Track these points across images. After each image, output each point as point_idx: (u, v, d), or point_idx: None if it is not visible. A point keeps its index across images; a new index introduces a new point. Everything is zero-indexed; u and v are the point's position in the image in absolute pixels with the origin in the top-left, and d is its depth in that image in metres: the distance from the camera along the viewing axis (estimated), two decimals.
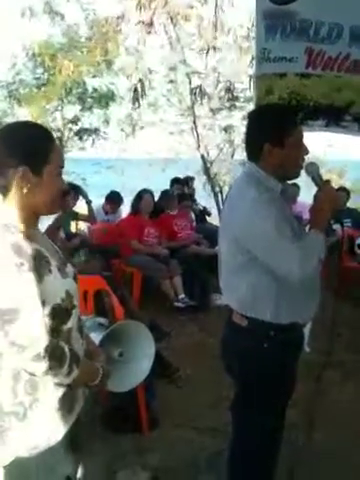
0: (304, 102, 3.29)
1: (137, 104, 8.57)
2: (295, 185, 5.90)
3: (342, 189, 6.60)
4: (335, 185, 7.02)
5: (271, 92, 3.44)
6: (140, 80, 8.35)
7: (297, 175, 2.02)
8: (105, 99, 9.40)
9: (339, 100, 3.26)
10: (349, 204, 6.66)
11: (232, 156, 9.69)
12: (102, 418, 2.99)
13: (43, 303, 1.33)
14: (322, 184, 1.96)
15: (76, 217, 5.94)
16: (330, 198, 1.94)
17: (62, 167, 1.48)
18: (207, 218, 7.56)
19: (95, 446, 2.63)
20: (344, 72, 3.19)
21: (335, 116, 3.33)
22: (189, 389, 3.53)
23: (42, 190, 1.39)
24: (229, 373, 2.12)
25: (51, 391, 1.38)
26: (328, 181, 2.00)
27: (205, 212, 7.50)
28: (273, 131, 1.93)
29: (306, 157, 2.01)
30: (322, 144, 9.07)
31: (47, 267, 1.36)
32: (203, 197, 8.94)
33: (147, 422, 2.99)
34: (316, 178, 1.97)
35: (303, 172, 2.02)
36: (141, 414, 2.97)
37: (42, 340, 1.31)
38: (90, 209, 6.00)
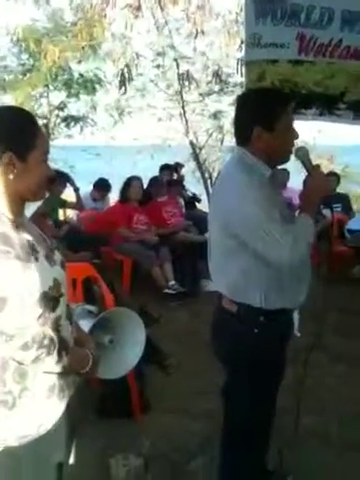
0: (297, 90, 3.23)
1: (124, 89, 8.47)
2: (285, 171, 5.90)
3: (332, 174, 6.61)
4: (325, 170, 7.04)
5: (263, 78, 3.37)
6: (127, 65, 8.25)
7: (287, 159, 2.00)
8: (92, 85, 9.29)
9: (332, 88, 3.20)
10: (338, 189, 6.69)
11: (221, 142, 9.65)
12: (94, 404, 2.99)
13: (30, 291, 1.31)
14: (312, 169, 1.95)
15: (64, 205, 5.90)
16: (320, 183, 1.93)
17: (47, 153, 1.45)
18: (197, 205, 7.54)
19: (87, 432, 2.63)
20: (337, 58, 3.14)
21: (329, 104, 3.27)
22: (180, 375, 3.54)
23: (28, 176, 1.37)
24: (219, 358, 2.12)
25: (40, 379, 1.37)
26: (318, 165, 1.98)
27: (195, 199, 7.48)
28: (262, 115, 1.89)
29: (296, 141, 1.99)
30: (312, 129, 9.05)
31: (34, 255, 1.34)
32: (192, 184, 8.91)
33: (139, 408, 3.00)
34: (306, 163, 1.95)
35: (293, 157, 2.01)
36: (133, 400, 2.98)
37: (30, 328, 1.30)
38: (78, 196, 5.97)
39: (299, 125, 2.04)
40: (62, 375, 1.41)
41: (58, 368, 1.37)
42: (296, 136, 1.96)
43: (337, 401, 3.21)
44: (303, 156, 1.95)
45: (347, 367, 3.68)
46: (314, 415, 2.96)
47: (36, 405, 1.37)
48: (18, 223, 1.37)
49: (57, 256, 1.46)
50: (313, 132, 9.39)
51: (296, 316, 2.15)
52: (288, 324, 2.10)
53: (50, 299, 1.36)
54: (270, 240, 1.81)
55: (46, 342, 1.32)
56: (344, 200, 6.60)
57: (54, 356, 1.33)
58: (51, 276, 1.38)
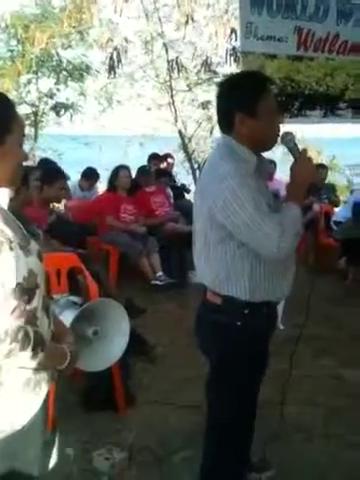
0: (300, 89, 3.22)
1: (113, 74, 8.35)
2: (271, 162, 5.85)
3: (321, 166, 6.59)
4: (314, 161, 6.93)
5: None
6: (115, 48, 8.11)
7: (272, 145, 1.94)
8: (80, 72, 9.18)
9: (333, 87, 3.20)
10: (326, 180, 6.68)
11: (211, 132, 9.59)
12: (77, 397, 2.96)
13: (2, 282, 1.26)
14: (298, 155, 1.90)
15: None
16: (306, 168, 1.88)
17: (24, 136, 1.40)
18: (186, 195, 7.49)
19: (70, 425, 2.60)
20: (335, 54, 3.14)
21: (331, 104, 3.27)
22: (166, 366, 3.53)
23: (4, 161, 1.31)
24: (202, 351, 2.10)
25: (14, 374, 1.32)
26: (305, 150, 1.93)
27: (183, 189, 7.43)
28: (242, 100, 1.84)
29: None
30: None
31: (7, 244, 1.28)
32: (182, 174, 8.86)
33: (123, 400, 2.97)
34: (292, 148, 1.90)
35: (279, 149, 1.97)
36: (117, 393, 2.95)
37: (2, 321, 1.25)
38: (66, 185, 5.88)
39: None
40: (38, 370, 1.36)
41: (33, 364, 1.32)
42: (281, 120, 1.90)
43: (322, 392, 3.21)
44: (289, 142, 1.90)
45: (332, 358, 3.68)
46: (299, 407, 2.96)
47: (10, 400, 1.33)
48: None
49: (33, 246, 1.39)
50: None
51: (280, 308, 2.12)
52: (272, 317, 2.07)
53: (25, 291, 1.30)
54: (257, 231, 1.76)
55: (20, 336, 1.26)
56: (331, 191, 6.62)
57: (28, 351, 1.28)
58: (26, 267, 1.31)
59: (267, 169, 2.06)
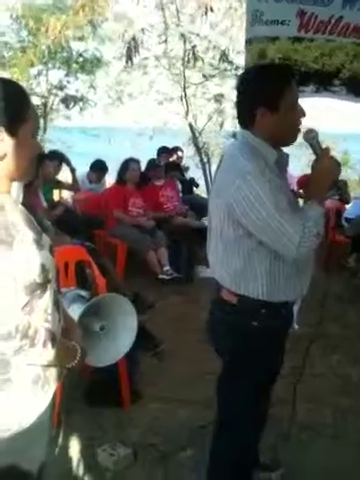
0: (296, 68, 3.27)
1: (130, 63, 8.26)
2: (285, 154, 5.73)
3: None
4: None
5: (264, 56, 3.40)
6: (133, 38, 8.01)
7: (294, 140, 1.88)
8: (91, 65, 9.13)
9: (329, 64, 3.27)
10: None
11: (221, 126, 9.51)
12: (82, 392, 2.93)
13: (14, 277, 1.22)
14: (321, 152, 1.84)
15: (58, 186, 5.79)
16: (329, 167, 1.82)
17: (38, 127, 1.35)
18: (195, 189, 7.44)
19: (75, 421, 2.58)
20: (336, 35, 3.18)
21: (325, 81, 3.35)
22: (173, 362, 3.49)
23: (17, 153, 1.26)
24: (215, 348, 2.06)
25: (24, 371, 1.29)
26: (327, 148, 1.87)
27: (193, 183, 7.37)
28: (265, 94, 1.78)
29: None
30: (310, 115, 8.92)
31: (19, 238, 1.24)
32: (191, 168, 8.79)
33: (129, 396, 2.94)
34: (315, 146, 1.84)
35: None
36: (123, 388, 2.91)
37: (13, 317, 1.21)
38: (74, 177, 5.86)
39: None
40: (47, 367, 1.33)
41: (43, 360, 1.29)
42: (303, 114, 1.84)
43: (333, 392, 3.17)
44: (312, 139, 1.84)
45: (341, 357, 3.63)
46: (310, 406, 2.91)
47: (19, 398, 1.30)
48: (1, 203, 1.27)
49: (45, 240, 1.35)
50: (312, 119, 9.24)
51: (296, 308, 2.08)
52: (288, 317, 2.02)
53: (36, 286, 1.27)
54: (277, 230, 1.71)
55: (31, 332, 1.23)
56: (342, 187, 6.53)
57: (39, 347, 1.25)
58: (38, 261, 1.28)
59: (286, 164, 2.00)
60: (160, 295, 4.67)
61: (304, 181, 5.70)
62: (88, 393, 2.92)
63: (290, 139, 1.88)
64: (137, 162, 5.65)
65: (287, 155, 1.99)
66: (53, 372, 1.37)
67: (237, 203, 1.74)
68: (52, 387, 1.38)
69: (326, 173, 1.82)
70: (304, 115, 1.84)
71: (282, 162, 1.93)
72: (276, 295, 1.85)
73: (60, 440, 1.61)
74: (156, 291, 4.75)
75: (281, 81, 1.82)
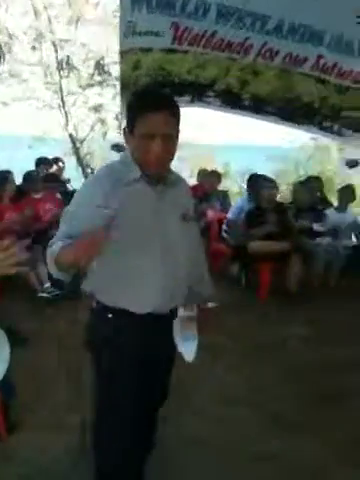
0: (170, 78, 3.33)
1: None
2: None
3: (214, 173, 6.67)
4: (208, 168, 7.14)
5: (138, 67, 3.40)
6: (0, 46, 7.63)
7: (150, 170, 1.81)
8: None
9: (203, 77, 3.39)
10: (219, 187, 6.76)
11: (104, 136, 9.40)
12: None
13: None
14: None
15: None
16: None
17: None
18: None
19: None
20: (211, 49, 3.30)
21: (199, 92, 3.47)
22: (53, 386, 3.29)
23: None
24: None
25: None
26: None
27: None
28: (127, 116, 1.83)
29: None
30: (191, 128, 9.10)
31: None
32: (76, 179, 8.54)
33: (5, 427, 2.71)
34: None
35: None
36: None
37: None
38: None
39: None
40: None
41: None
42: (157, 149, 1.75)
43: (218, 402, 3.18)
44: None
45: (227, 366, 3.68)
46: (195, 419, 2.90)
47: None
48: None
49: None
50: (192, 130, 9.43)
51: (177, 323, 2.01)
52: (153, 330, 1.93)
53: None
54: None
55: None
56: (223, 197, 6.73)
57: None
58: None
59: (183, 204, 1.96)
60: (42, 316, 4.39)
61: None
62: None
63: (144, 167, 1.82)
64: (10, 174, 5.32)
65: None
66: None
67: None
68: None
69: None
70: (156, 151, 1.75)
71: (169, 195, 1.90)
72: (115, 302, 1.90)
73: None
74: (38, 313, 4.45)
75: (140, 109, 1.79)
